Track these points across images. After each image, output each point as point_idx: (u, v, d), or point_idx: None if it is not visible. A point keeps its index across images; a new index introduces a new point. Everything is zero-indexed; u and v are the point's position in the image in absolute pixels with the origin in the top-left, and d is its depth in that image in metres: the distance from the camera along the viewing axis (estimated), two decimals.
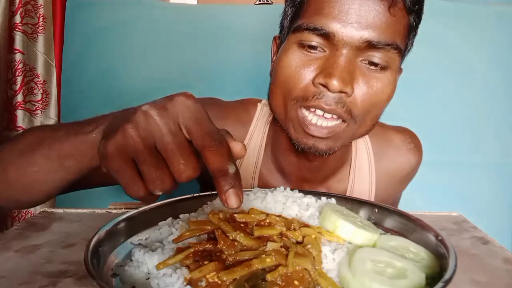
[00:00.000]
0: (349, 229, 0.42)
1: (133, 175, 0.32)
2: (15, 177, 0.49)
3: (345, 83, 0.51)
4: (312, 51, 0.54)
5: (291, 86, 0.55)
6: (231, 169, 0.32)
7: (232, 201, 0.32)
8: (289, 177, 0.70)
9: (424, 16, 0.60)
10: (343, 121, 0.55)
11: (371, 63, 0.53)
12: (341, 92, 0.52)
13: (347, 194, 0.71)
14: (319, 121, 0.54)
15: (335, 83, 0.51)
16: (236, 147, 0.34)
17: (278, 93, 0.58)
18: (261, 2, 1.44)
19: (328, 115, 0.54)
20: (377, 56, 0.53)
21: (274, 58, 0.65)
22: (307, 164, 0.66)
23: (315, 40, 0.53)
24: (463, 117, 1.25)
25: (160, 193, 0.33)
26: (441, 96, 1.25)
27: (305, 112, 0.55)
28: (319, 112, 0.54)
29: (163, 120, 0.32)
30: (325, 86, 0.52)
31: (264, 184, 0.70)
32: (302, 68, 0.54)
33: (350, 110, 0.54)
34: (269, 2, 1.44)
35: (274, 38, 0.66)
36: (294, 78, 0.55)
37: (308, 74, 0.54)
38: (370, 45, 0.52)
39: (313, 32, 0.53)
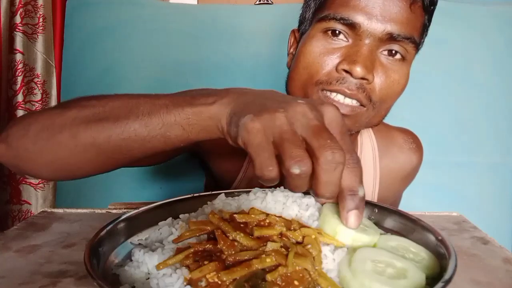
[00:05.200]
0: (349, 235, 0.41)
1: (271, 154, 0.33)
2: (91, 142, 0.45)
3: (368, 70, 0.55)
4: (336, 39, 0.57)
5: (313, 72, 0.59)
6: (361, 192, 0.34)
7: (352, 221, 0.34)
8: None
9: None
10: (363, 106, 0.58)
11: (390, 53, 0.57)
12: (363, 78, 0.55)
13: None
14: (341, 100, 0.58)
15: (358, 70, 0.54)
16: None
17: (298, 79, 0.61)
18: (261, 2, 1.44)
19: (348, 101, 0.57)
20: (395, 48, 0.57)
21: (291, 50, 0.69)
22: None
23: (340, 27, 0.57)
24: (462, 117, 1.25)
25: (297, 171, 0.32)
26: (440, 96, 1.25)
27: (327, 93, 0.58)
28: (340, 97, 0.57)
29: (314, 113, 0.34)
30: (348, 72, 0.56)
31: None
32: (326, 55, 0.58)
33: (370, 96, 0.58)
34: (269, 2, 1.44)
35: (293, 31, 0.70)
36: (318, 64, 0.58)
37: (331, 61, 0.58)
38: (391, 38, 0.56)
39: (339, 21, 0.56)
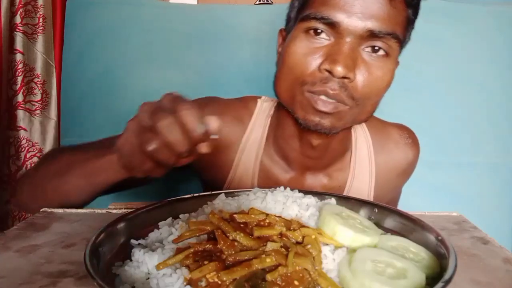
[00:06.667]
0: (348, 235, 0.41)
1: (146, 133, 0.42)
2: (52, 194, 0.61)
3: (349, 69, 0.55)
4: (318, 38, 0.58)
5: (298, 72, 0.59)
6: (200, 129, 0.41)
7: None
8: (292, 164, 0.72)
9: (423, 16, 0.61)
10: (346, 105, 0.58)
11: (373, 50, 0.57)
12: (344, 77, 0.55)
13: (348, 184, 0.73)
14: (325, 99, 0.58)
15: (339, 69, 0.54)
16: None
17: (284, 78, 0.62)
18: (261, 2, 1.44)
19: (331, 101, 0.57)
20: (378, 45, 0.57)
21: (280, 49, 0.69)
22: (310, 150, 0.68)
23: (321, 27, 0.57)
24: (462, 117, 1.24)
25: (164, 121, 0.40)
26: (440, 96, 1.25)
27: (312, 95, 0.58)
28: (323, 97, 0.57)
29: (162, 102, 0.43)
30: (330, 72, 0.56)
31: (266, 173, 0.72)
32: (309, 55, 0.58)
33: (352, 95, 0.58)
34: (269, 2, 1.44)
35: (280, 30, 0.70)
36: (301, 65, 0.58)
37: (314, 61, 0.58)
38: (372, 34, 0.56)
39: (320, 21, 0.56)
